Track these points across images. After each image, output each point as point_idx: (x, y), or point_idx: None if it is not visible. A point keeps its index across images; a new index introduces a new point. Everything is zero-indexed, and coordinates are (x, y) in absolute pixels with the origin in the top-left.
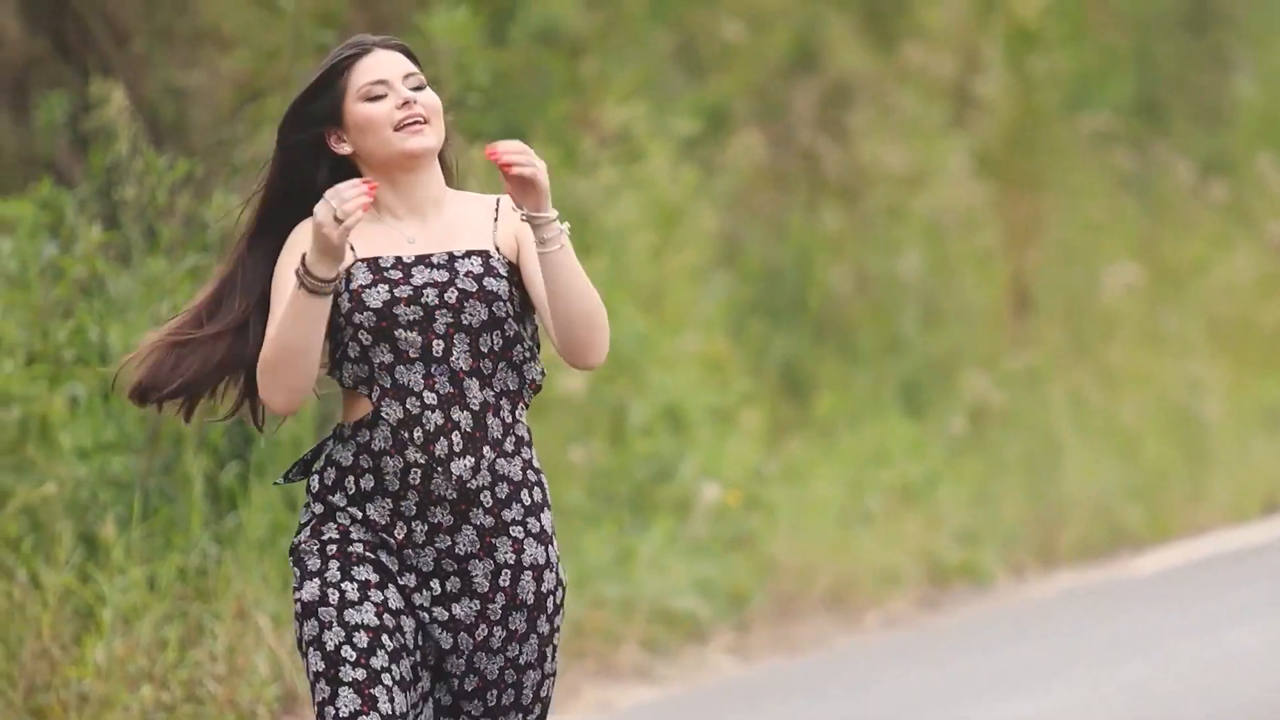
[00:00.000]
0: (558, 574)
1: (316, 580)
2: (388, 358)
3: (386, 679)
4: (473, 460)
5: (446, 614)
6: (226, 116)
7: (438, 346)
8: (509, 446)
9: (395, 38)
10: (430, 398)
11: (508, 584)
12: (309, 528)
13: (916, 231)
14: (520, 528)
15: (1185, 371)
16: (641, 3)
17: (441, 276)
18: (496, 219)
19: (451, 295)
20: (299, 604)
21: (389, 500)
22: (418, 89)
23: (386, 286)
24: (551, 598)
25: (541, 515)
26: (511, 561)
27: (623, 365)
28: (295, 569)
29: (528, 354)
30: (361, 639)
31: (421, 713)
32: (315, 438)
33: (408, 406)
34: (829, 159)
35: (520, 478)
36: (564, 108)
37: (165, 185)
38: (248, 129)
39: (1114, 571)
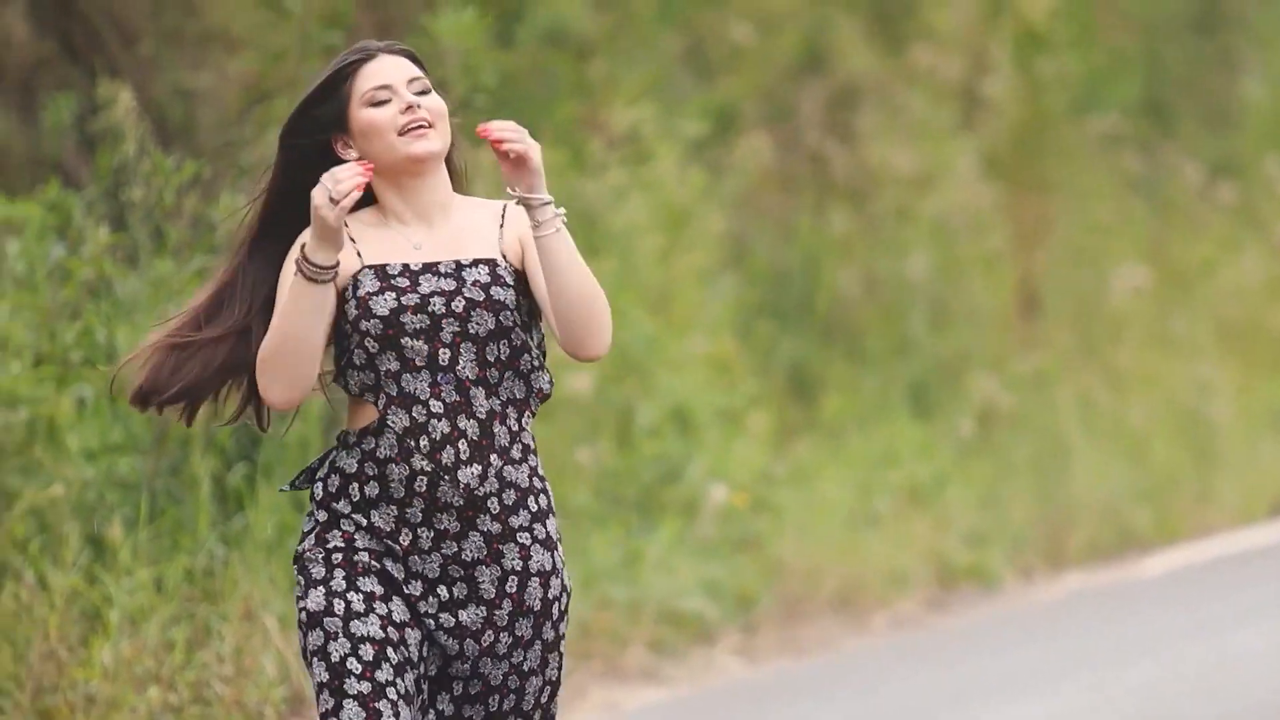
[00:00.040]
0: (563, 580)
1: (321, 589)
2: (394, 365)
3: (391, 693)
4: (480, 468)
5: (453, 620)
6: (234, 118)
7: (444, 355)
8: (516, 454)
9: (400, 43)
10: (437, 406)
11: (515, 590)
12: (313, 535)
13: (924, 233)
14: (527, 534)
15: (1193, 373)
16: (650, 4)
17: (449, 285)
18: (502, 225)
19: (459, 304)
20: (304, 613)
21: (394, 507)
22: (422, 93)
23: (394, 294)
24: (557, 604)
25: (547, 522)
26: (519, 568)
27: (630, 366)
28: (299, 577)
29: (535, 363)
30: (367, 651)
31: None
32: (323, 440)
33: (414, 415)
34: (837, 161)
35: (527, 484)
36: (572, 109)
37: (173, 186)
38: (255, 130)
39: (1122, 573)
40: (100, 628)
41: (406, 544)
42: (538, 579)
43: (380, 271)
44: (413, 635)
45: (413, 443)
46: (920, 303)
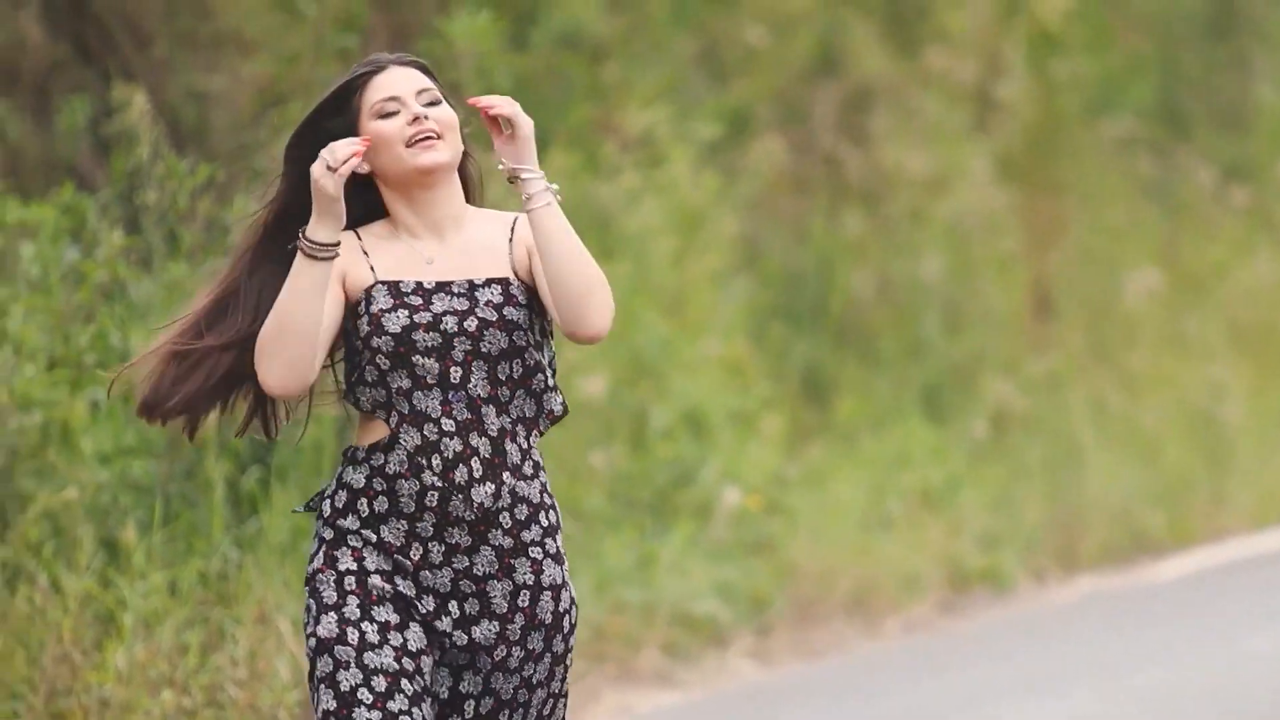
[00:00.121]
0: (571, 594)
1: (334, 614)
2: (405, 383)
3: None
4: (493, 486)
5: (466, 638)
6: (248, 121)
7: (455, 373)
8: (527, 470)
9: (411, 54)
10: (448, 424)
11: (526, 604)
12: (321, 554)
13: (938, 236)
14: (539, 548)
15: (1206, 376)
16: (663, 7)
17: (461, 305)
18: (511, 239)
19: (471, 324)
20: (314, 639)
21: (404, 521)
22: (432, 104)
23: (406, 312)
24: (567, 617)
25: (556, 537)
26: (530, 582)
27: (644, 369)
28: (310, 600)
29: (546, 383)
30: (380, 683)
31: None
32: (337, 444)
33: (425, 433)
34: (850, 163)
35: (538, 500)
36: (586, 113)
37: (187, 190)
38: (269, 134)
39: (1135, 577)
40: (114, 631)
41: (417, 559)
42: (549, 593)
43: (393, 288)
44: (427, 662)
45: (424, 460)
46: (933, 305)
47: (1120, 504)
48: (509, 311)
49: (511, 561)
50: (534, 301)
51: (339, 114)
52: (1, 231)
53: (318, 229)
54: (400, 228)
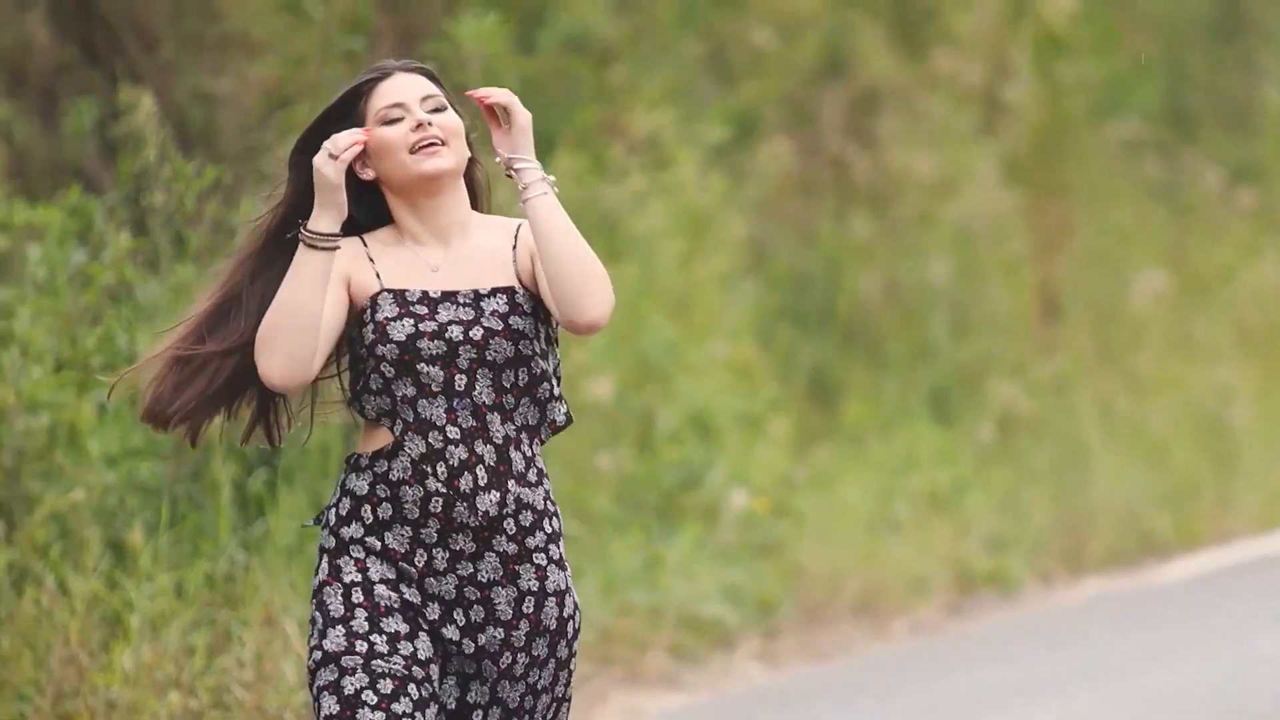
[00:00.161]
0: (575, 599)
1: (341, 628)
2: (410, 391)
3: None
4: (498, 494)
5: (473, 645)
6: (255, 123)
7: (460, 381)
8: (532, 477)
9: (417, 61)
10: (453, 432)
11: (531, 610)
12: (326, 565)
13: (945, 238)
14: (543, 554)
15: (1214, 378)
16: (671, 10)
17: (467, 315)
18: (515, 246)
19: (476, 333)
20: (319, 652)
21: (408, 528)
22: (437, 110)
23: (411, 321)
24: (571, 622)
25: (559, 543)
26: (535, 588)
27: (651, 371)
28: (317, 614)
29: (552, 392)
30: (386, 685)
31: None
32: (343, 446)
33: (430, 441)
34: (858, 166)
35: (542, 507)
36: (593, 115)
37: (194, 192)
38: (276, 135)
39: (1142, 579)
40: (121, 633)
41: (421, 565)
42: (554, 598)
43: (399, 297)
44: (436, 671)
45: (429, 468)
46: (941, 307)
47: (1127, 506)
48: (514, 320)
49: (516, 568)
50: (539, 309)
51: (345, 120)
52: (8, 233)
53: (319, 219)
54: (405, 234)
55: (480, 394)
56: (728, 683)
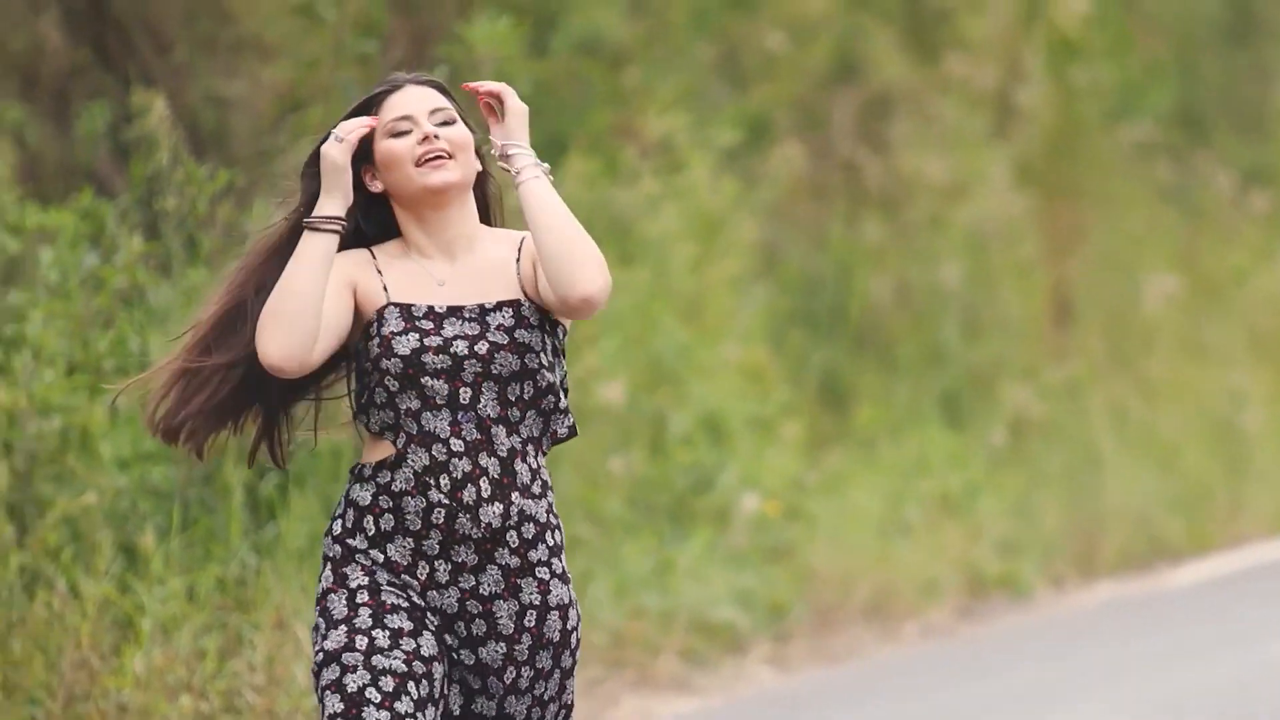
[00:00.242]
0: (578, 611)
1: (343, 627)
2: (414, 404)
3: None
4: (501, 506)
5: (473, 658)
6: (268, 126)
7: (464, 394)
8: (536, 490)
9: (428, 74)
10: (457, 444)
11: (533, 624)
12: (331, 573)
13: (957, 242)
14: (546, 568)
15: (1225, 382)
16: (683, 13)
17: (473, 330)
18: (519, 258)
19: (482, 347)
20: (321, 653)
21: (410, 540)
22: (446, 124)
23: (417, 335)
24: (574, 633)
25: (561, 555)
26: (537, 602)
27: (663, 375)
28: (320, 619)
29: (557, 405)
30: (388, 683)
31: None
32: (355, 452)
33: (434, 453)
34: (870, 170)
35: (545, 519)
36: (605, 118)
37: (206, 195)
38: (289, 139)
39: (1153, 583)
40: (132, 636)
41: (424, 578)
42: (556, 612)
43: (405, 311)
44: (439, 670)
45: (432, 480)
46: (952, 311)
47: (1139, 510)
48: (520, 334)
49: (518, 581)
50: (545, 321)
51: None
52: (21, 236)
53: (324, 203)
54: (412, 248)
55: (485, 407)
56: (739, 686)
